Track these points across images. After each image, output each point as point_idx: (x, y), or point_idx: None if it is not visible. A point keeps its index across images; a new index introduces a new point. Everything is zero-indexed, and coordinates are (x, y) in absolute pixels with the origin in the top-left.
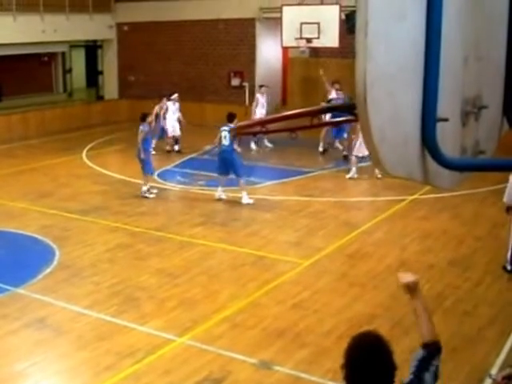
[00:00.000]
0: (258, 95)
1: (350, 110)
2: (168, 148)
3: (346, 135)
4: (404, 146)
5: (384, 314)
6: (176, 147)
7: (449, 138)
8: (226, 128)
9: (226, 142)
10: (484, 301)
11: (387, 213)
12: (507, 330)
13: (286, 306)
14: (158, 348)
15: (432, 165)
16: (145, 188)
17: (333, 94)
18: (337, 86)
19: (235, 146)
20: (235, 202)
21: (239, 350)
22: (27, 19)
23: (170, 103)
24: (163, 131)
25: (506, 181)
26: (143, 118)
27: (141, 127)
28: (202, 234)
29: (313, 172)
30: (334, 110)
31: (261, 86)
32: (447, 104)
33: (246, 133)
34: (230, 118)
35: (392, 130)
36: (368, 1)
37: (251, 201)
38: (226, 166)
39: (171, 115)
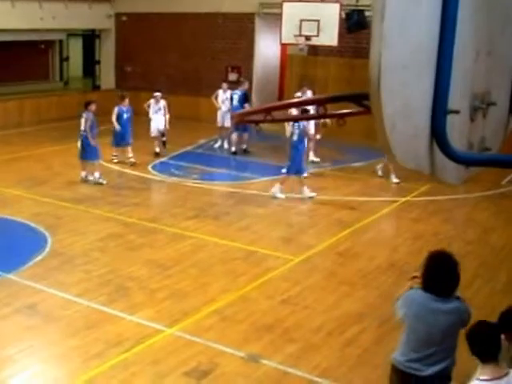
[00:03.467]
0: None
1: (358, 100)
2: (157, 150)
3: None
4: (414, 137)
5: (373, 312)
6: (157, 149)
7: (457, 133)
8: (296, 124)
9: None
10: (472, 304)
11: (379, 213)
12: None
13: (276, 301)
14: (147, 338)
15: (439, 158)
16: (97, 174)
17: (308, 94)
18: (305, 87)
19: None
20: (228, 197)
21: (228, 342)
22: (25, 5)
23: (152, 101)
24: (121, 137)
25: (499, 187)
26: (86, 105)
27: (84, 115)
28: (194, 227)
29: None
30: (342, 99)
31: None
32: (457, 97)
33: (249, 121)
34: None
35: (403, 120)
36: None
37: (282, 196)
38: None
39: (154, 115)
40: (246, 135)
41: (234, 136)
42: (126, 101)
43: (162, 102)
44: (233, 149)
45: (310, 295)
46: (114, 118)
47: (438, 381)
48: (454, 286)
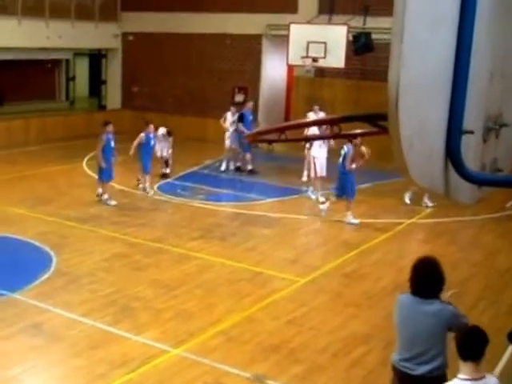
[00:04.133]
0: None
1: (372, 120)
2: (162, 171)
3: None
4: (429, 158)
5: (379, 333)
6: (166, 170)
7: (470, 153)
8: (345, 147)
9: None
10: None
11: (385, 235)
12: (498, 356)
13: (282, 322)
14: (153, 358)
15: (454, 178)
16: (106, 196)
17: (320, 115)
18: (316, 107)
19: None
20: (234, 217)
21: (233, 363)
22: (32, 24)
23: (160, 136)
24: (107, 174)
25: (505, 209)
26: (103, 125)
27: (101, 136)
28: (200, 248)
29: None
30: (356, 119)
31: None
32: (472, 118)
33: (261, 140)
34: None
35: (419, 140)
36: (405, 7)
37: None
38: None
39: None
40: (248, 155)
41: (248, 155)
42: (151, 127)
43: (169, 139)
44: (238, 164)
45: (316, 316)
46: (135, 143)
47: (432, 381)
48: (435, 288)
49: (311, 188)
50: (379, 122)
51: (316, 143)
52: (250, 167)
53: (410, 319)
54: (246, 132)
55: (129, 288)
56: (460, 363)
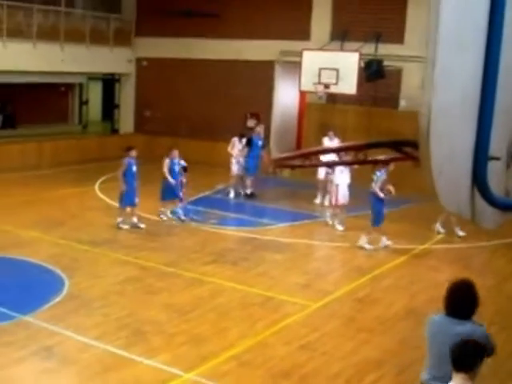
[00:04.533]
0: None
1: (398, 146)
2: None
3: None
4: (457, 183)
5: (391, 359)
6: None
7: (494, 179)
8: (378, 172)
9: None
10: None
11: (398, 260)
12: (509, 381)
13: (294, 347)
14: (165, 382)
15: (479, 203)
16: (120, 219)
17: (335, 141)
18: (331, 133)
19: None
20: (246, 242)
21: None
22: (47, 47)
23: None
24: (171, 191)
25: None
26: (126, 150)
27: (123, 160)
28: (212, 272)
29: (323, 217)
30: (381, 145)
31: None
32: (497, 144)
33: (286, 165)
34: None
35: (449, 165)
36: (438, 35)
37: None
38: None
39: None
40: (249, 179)
41: (250, 179)
42: (175, 152)
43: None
44: (248, 191)
45: (328, 341)
46: (166, 170)
47: None
48: (469, 309)
49: (329, 213)
50: (404, 148)
51: (338, 169)
52: (249, 191)
53: (440, 337)
54: (262, 156)
55: (141, 312)
56: (453, 374)
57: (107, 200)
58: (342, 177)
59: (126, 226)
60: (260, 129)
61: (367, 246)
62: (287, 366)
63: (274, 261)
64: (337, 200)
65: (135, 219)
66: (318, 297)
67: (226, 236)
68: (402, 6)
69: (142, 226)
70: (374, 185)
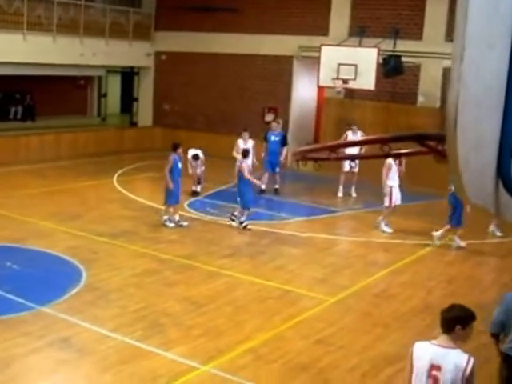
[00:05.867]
0: (238, 140)
1: (422, 140)
2: (193, 188)
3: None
4: (482, 175)
5: (407, 354)
6: (197, 188)
7: None
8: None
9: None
10: None
11: (414, 256)
12: None
13: (311, 341)
14: (182, 375)
15: (503, 195)
16: (166, 217)
17: (358, 134)
18: (354, 127)
19: None
20: (263, 236)
21: (262, 381)
22: (66, 41)
23: (190, 159)
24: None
25: None
26: (174, 147)
27: (170, 157)
28: (229, 265)
29: (340, 211)
30: (406, 139)
31: (245, 130)
32: None
33: (310, 158)
34: None
35: (474, 158)
36: (465, 30)
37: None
38: None
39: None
40: (266, 175)
41: (266, 175)
42: (181, 149)
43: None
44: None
45: (345, 336)
46: (167, 171)
47: None
48: None
49: (383, 220)
50: (428, 141)
51: (392, 170)
52: (263, 186)
53: None
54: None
55: (158, 304)
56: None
57: (125, 193)
58: (395, 178)
59: (171, 224)
60: (276, 124)
61: (462, 244)
62: (304, 360)
63: (292, 255)
64: (391, 201)
65: (177, 217)
66: (334, 291)
67: (243, 230)
68: (420, 2)
69: (185, 223)
70: (453, 188)
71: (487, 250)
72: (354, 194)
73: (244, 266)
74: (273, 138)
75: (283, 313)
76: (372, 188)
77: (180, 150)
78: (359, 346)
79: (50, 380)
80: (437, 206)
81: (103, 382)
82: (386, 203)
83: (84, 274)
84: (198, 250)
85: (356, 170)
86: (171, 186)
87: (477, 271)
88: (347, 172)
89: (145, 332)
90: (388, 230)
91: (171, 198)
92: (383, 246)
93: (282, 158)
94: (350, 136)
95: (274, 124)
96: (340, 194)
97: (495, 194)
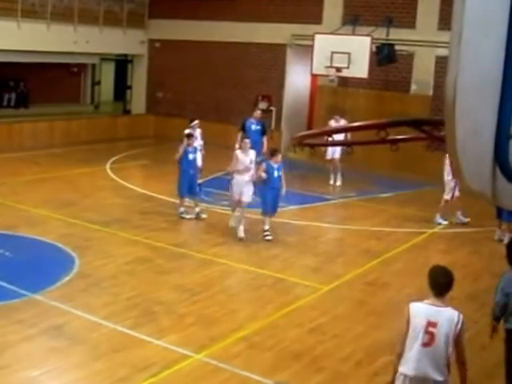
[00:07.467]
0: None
1: (418, 125)
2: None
3: None
4: (480, 160)
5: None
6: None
7: None
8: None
9: None
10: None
11: (407, 244)
12: None
13: (304, 330)
14: (174, 363)
15: (501, 182)
16: (181, 209)
17: (341, 122)
18: (337, 116)
19: None
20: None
21: (255, 370)
22: (60, 29)
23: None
24: (185, 186)
25: None
26: (187, 137)
27: (181, 147)
28: (223, 253)
29: (334, 200)
30: (402, 124)
31: (192, 120)
32: None
33: (306, 144)
34: None
35: (472, 143)
36: (464, 11)
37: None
38: None
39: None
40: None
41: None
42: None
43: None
44: None
45: (339, 324)
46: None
47: None
48: None
49: (439, 215)
50: (425, 127)
51: (446, 163)
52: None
53: None
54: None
55: (151, 292)
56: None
57: (118, 180)
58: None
59: (188, 216)
60: (260, 112)
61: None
62: (298, 349)
63: (285, 243)
64: (453, 195)
65: (197, 209)
66: (328, 280)
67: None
68: None
69: (204, 216)
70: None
71: (480, 238)
72: (338, 183)
73: (237, 254)
74: (253, 127)
75: (276, 301)
76: (363, 176)
77: (192, 141)
78: (353, 335)
79: (42, 368)
80: (429, 194)
81: (95, 369)
82: (447, 196)
83: (76, 262)
84: (191, 237)
85: (337, 156)
86: (180, 176)
87: (470, 259)
88: (331, 160)
89: (137, 320)
90: (444, 222)
91: (179, 189)
92: (375, 234)
93: (264, 150)
94: (333, 125)
95: (258, 112)
96: (331, 182)
97: (492, 180)
